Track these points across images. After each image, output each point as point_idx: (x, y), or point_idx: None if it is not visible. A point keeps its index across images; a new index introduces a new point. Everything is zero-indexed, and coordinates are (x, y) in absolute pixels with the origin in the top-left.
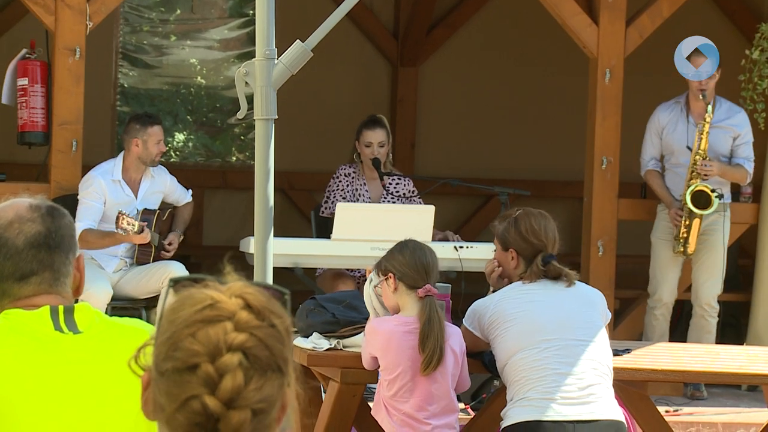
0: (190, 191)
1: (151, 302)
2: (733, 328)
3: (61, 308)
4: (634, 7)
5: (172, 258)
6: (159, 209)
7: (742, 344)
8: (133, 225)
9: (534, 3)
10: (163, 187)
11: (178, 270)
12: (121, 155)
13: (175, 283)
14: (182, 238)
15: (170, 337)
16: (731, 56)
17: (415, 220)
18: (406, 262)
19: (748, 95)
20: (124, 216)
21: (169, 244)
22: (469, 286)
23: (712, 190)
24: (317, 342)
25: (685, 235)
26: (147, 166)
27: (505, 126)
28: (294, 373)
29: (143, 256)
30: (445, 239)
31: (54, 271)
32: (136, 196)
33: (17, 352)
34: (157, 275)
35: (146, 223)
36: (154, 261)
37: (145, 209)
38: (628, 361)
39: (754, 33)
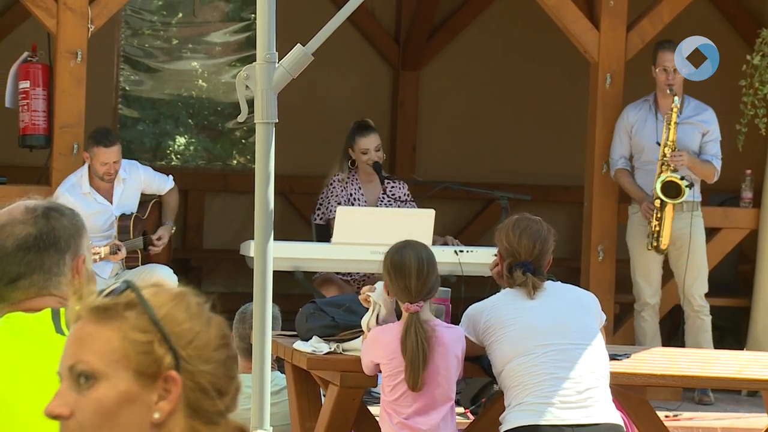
0: (171, 177)
1: None
2: (733, 334)
3: (62, 311)
4: (635, 12)
5: (172, 258)
6: (136, 213)
7: (743, 349)
8: (98, 252)
9: (535, 8)
10: (138, 185)
11: (165, 274)
12: (86, 164)
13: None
14: (174, 228)
15: (207, 330)
16: (732, 61)
17: (416, 224)
18: (391, 278)
19: (749, 100)
20: None
21: (158, 239)
22: (468, 291)
23: (681, 178)
24: (317, 346)
25: (657, 228)
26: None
27: (505, 130)
28: None
29: (131, 261)
30: (445, 244)
31: (44, 272)
32: (111, 202)
33: (19, 355)
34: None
35: (120, 243)
36: (144, 263)
37: (122, 215)
38: (627, 366)
39: (755, 38)
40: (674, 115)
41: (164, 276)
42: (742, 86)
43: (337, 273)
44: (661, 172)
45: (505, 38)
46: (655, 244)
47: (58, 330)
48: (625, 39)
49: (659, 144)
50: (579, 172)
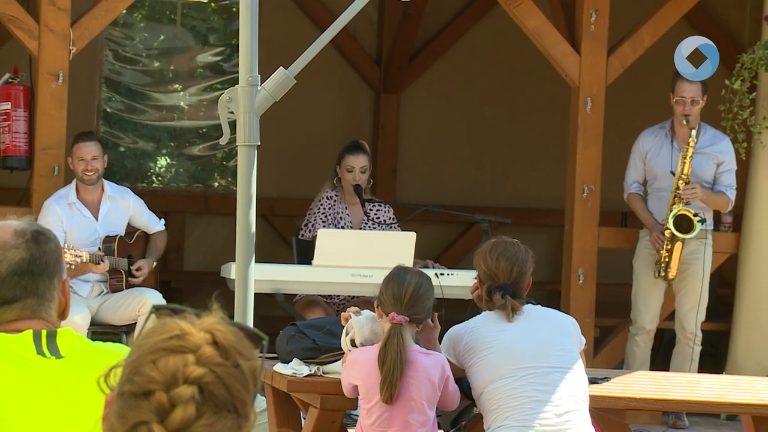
0: (162, 220)
1: (132, 327)
2: (712, 358)
3: (44, 332)
4: (615, 36)
5: (156, 284)
6: (122, 235)
7: (722, 373)
8: (80, 255)
9: (516, 31)
10: (126, 210)
11: (154, 298)
12: (75, 179)
13: (157, 310)
14: (155, 265)
15: (134, 361)
16: (712, 86)
17: (397, 247)
18: (385, 291)
19: (728, 125)
20: (66, 250)
21: (137, 269)
22: (449, 314)
23: (695, 215)
24: (297, 368)
25: (666, 259)
26: (84, 184)
27: (486, 153)
28: (253, 417)
29: (116, 282)
30: (426, 267)
31: (38, 296)
32: (96, 218)
33: None
34: (133, 303)
35: (103, 254)
36: (128, 287)
37: (107, 236)
38: (607, 389)
39: (735, 63)
40: (690, 150)
41: (153, 300)
42: (721, 111)
43: (319, 296)
44: (674, 203)
45: (486, 62)
46: (663, 274)
47: (39, 352)
48: (605, 63)
49: (673, 173)
50: (560, 195)
